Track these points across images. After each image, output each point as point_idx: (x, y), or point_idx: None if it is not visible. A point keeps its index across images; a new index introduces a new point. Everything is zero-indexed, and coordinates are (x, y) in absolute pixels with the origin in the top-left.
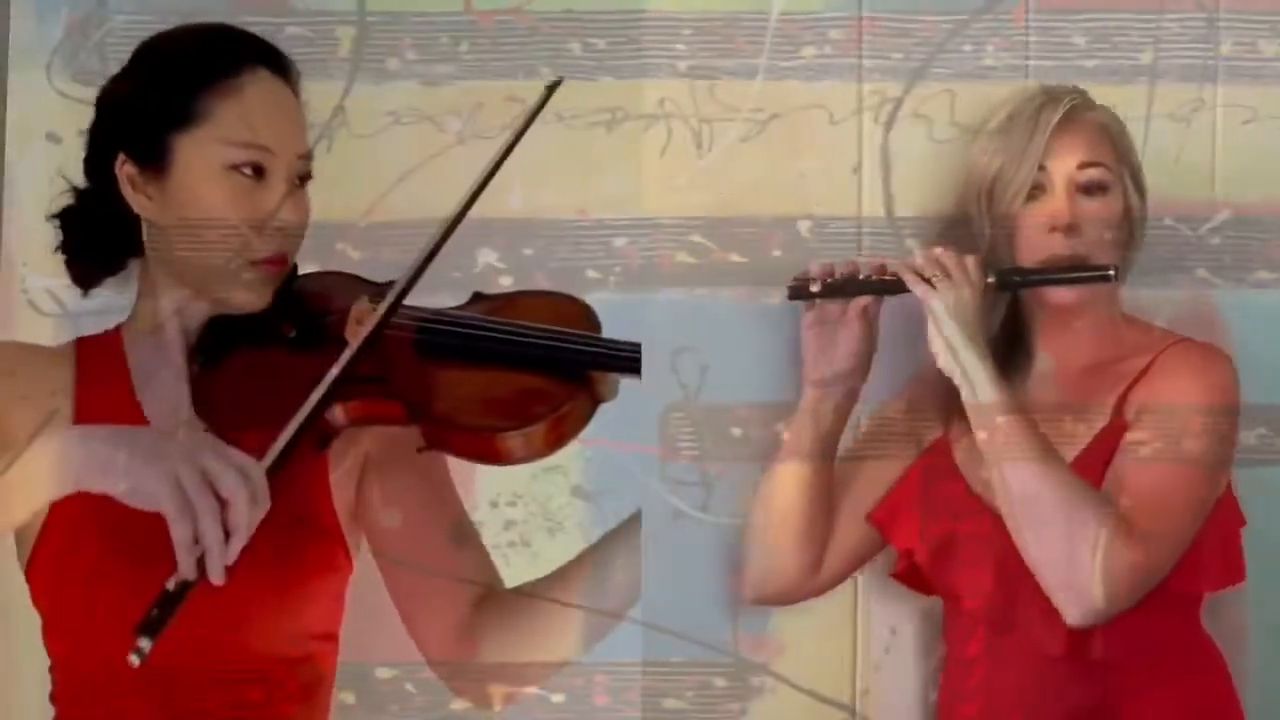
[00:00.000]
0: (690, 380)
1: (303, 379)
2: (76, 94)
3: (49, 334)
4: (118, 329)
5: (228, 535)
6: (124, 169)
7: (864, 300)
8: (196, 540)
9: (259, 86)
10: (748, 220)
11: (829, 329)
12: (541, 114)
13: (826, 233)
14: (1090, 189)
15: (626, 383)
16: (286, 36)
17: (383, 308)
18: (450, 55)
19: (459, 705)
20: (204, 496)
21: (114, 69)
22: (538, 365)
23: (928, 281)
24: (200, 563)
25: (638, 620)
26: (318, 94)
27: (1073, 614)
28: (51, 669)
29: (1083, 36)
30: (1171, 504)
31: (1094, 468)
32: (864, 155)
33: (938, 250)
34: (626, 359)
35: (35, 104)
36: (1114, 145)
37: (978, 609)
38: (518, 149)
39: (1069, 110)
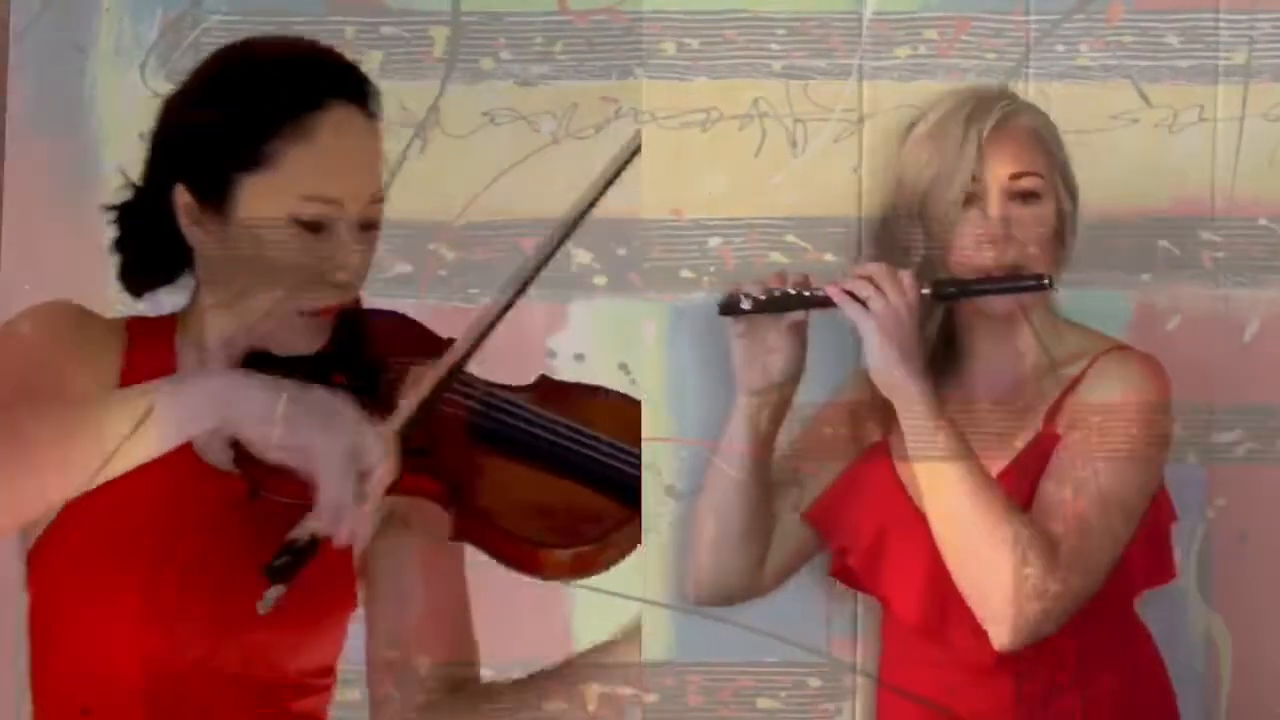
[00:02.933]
0: None
1: None
2: None
3: None
4: (173, 316)
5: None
6: (182, 198)
7: (795, 315)
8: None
9: (336, 125)
10: (841, 220)
11: (759, 340)
12: (636, 114)
13: (873, 229)
14: (1024, 196)
15: (720, 383)
16: (381, 36)
17: (438, 371)
18: (545, 55)
19: (551, 706)
20: (355, 467)
21: None
22: (594, 480)
23: (860, 301)
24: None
25: (732, 621)
26: (412, 94)
27: (999, 639)
28: (30, 656)
29: (1176, 36)
30: (1103, 521)
31: (1023, 479)
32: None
33: (871, 266)
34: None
35: (129, 104)
36: (1046, 150)
37: (906, 616)
38: (613, 148)
39: (1000, 118)
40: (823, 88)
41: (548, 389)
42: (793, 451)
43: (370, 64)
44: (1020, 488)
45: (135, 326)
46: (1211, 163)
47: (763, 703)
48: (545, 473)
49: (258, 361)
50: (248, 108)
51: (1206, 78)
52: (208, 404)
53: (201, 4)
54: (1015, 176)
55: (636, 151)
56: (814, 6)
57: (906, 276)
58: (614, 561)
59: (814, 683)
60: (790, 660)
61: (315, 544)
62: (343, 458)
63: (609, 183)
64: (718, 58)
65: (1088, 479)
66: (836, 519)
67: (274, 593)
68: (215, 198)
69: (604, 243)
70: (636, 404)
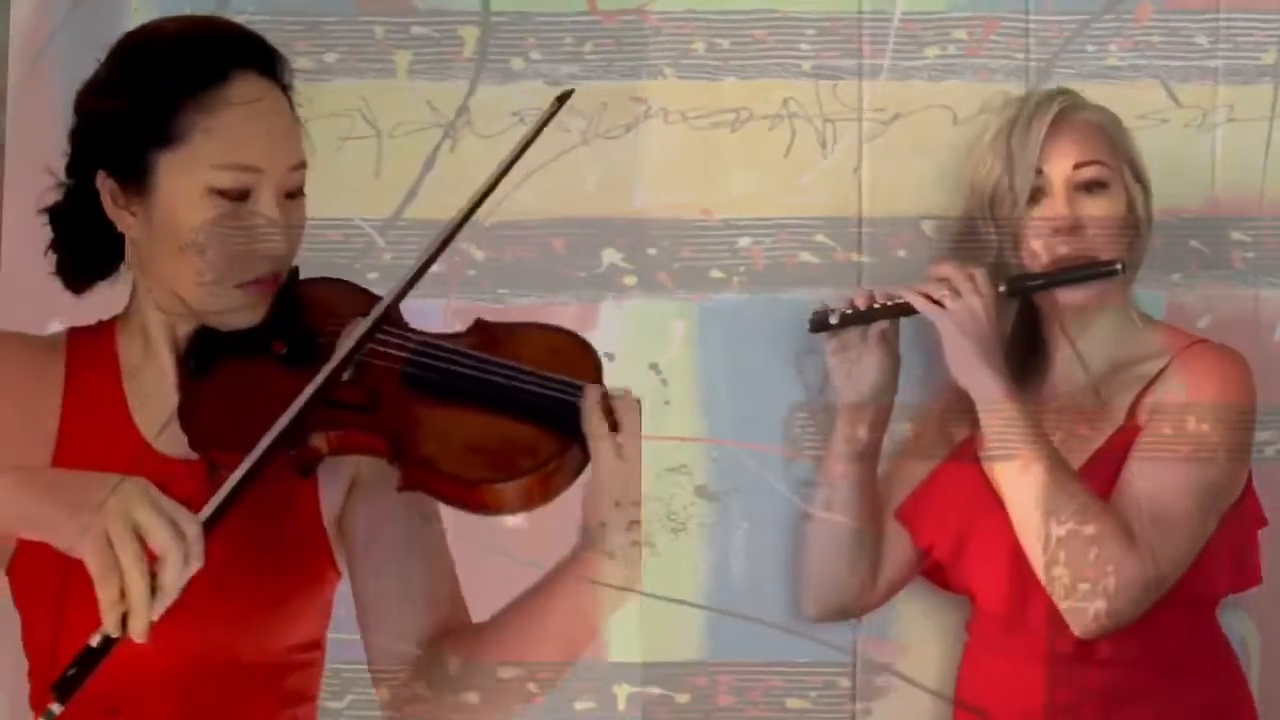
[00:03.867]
0: (814, 380)
1: (291, 396)
2: None
3: None
4: (112, 321)
5: (155, 592)
6: (105, 184)
7: (881, 325)
8: (122, 596)
9: (244, 95)
10: (871, 220)
11: (852, 355)
12: (666, 114)
13: (949, 232)
14: (1089, 187)
15: (750, 383)
16: (410, 36)
17: (365, 324)
18: (574, 55)
19: (582, 705)
20: (131, 552)
21: None
22: (527, 413)
23: (937, 303)
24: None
25: (761, 620)
26: (441, 94)
27: (1079, 627)
28: (29, 673)
29: (1206, 36)
30: (1181, 512)
31: (1105, 472)
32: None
33: (945, 268)
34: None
35: None
36: (1110, 142)
37: (993, 609)
38: (643, 148)
39: (1060, 112)
40: (852, 88)
41: (481, 331)
42: (893, 458)
43: (399, 64)
44: (1101, 481)
45: (75, 335)
46: (1241, 162)
47: (792, 703)
48: (479, 413)
49: (206, 337)
50: (154, 86)
51: (1237, 78)
52: None
53: (229, 3)
54: (1079, 166)
55: (567, 95)
56: (844, 6)
57: (980, 275)
58: (559, 490)
59: (844, 683)
60: (820, 660)
61: (107, 647)
62: (105, 547)
63: (538, 131)
64: (747, 58)
65: (1167, 472)
66: (924, 517)
67: (55, 708)
68: (135, 179)
69: (634, 243)
70: (565, 333)
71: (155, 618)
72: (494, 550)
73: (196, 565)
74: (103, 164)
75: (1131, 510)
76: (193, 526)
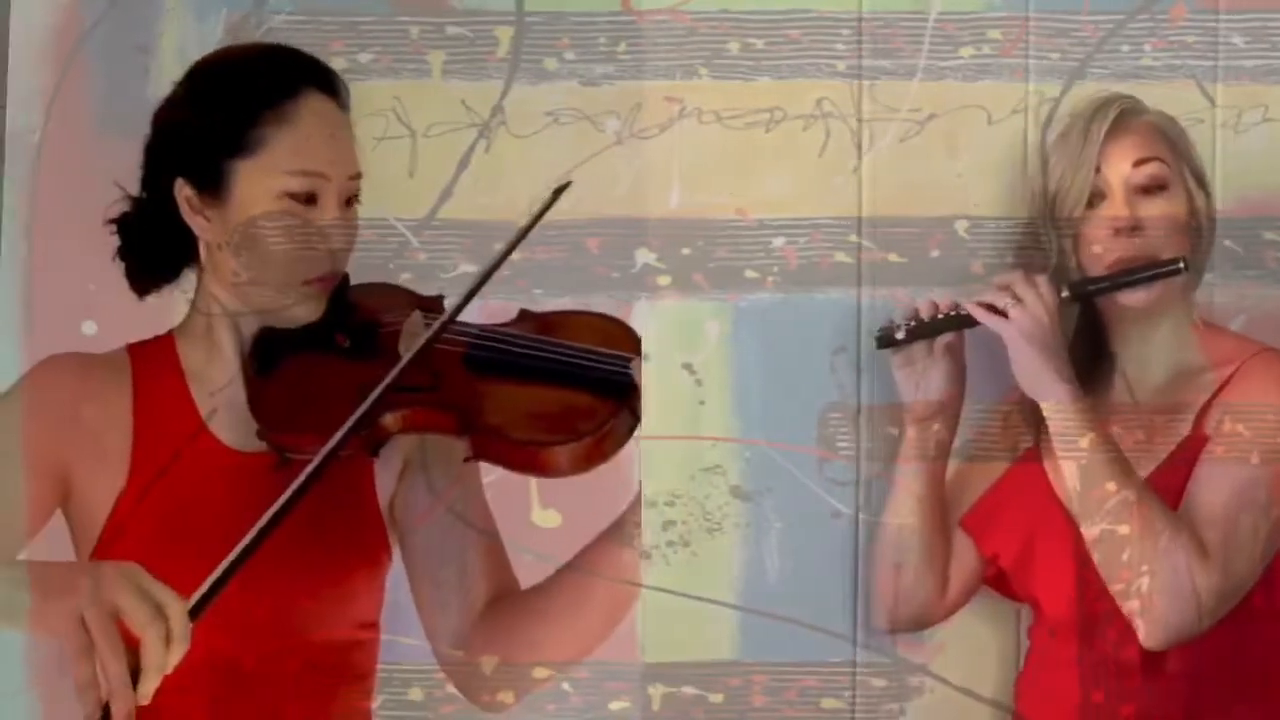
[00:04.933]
0: (847, 380)
1: (355, 386)
2: None
3: None
4: (169, 334)
5: (138, 675)
6: (182, 192)
7: (947, 337)
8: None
9: (312, 110)
10: (906, 220)
11: (919, 368)
12: (700, 114)
13: (983, 232)
14: (1149, 188)
15: (785, 383)
16: (445, 36)
17: (437, 325)
18: (609, 55)
19: (617, 706)
20: (108, 635)
21: None
22: (581, 383)
23: (1000, 312)
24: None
25: (796, 620)
26: (476, 93)
27: (1148, 638)
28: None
29: (1241, 36)
30: (1250, 523)
31: (1173, 480)
32: (1027, 154)
33: (1007, 275)
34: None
35: None
36: (1170, 144)
37: (1057, 617)
38: (677, 148)
39: (1119, 115)
40: (887, 88)
41: (529, 319)
42: (957, 466)
43: (434, 63)
44: (1170, 489)
45: (135, 349)
46: (1276, 163)
47: (827, 703)
48: (537, 386)
49: (270, 335)
50: (233, 101)
51: (1273, 77)
52: None
53: (265, 3)
54: (1138, 164)
55: (564, 188)
56: (879, 6)
57: (1043, 281)
58: (613, 451)
59: (878, 683)
60: (856, 661)
61: None
62: (80, 631)
63: (535, 221)
64: (782, 58)
65: (1235, 482)
66: (990, 525)
67: None
68: (213, 186)
69: (668, 243)
70: (604, 315)
71: (145, 699)
72: (524, 550)
73: (181, 646)
74: (181, 172)
75: (1200, 520)
76: (176, 606)
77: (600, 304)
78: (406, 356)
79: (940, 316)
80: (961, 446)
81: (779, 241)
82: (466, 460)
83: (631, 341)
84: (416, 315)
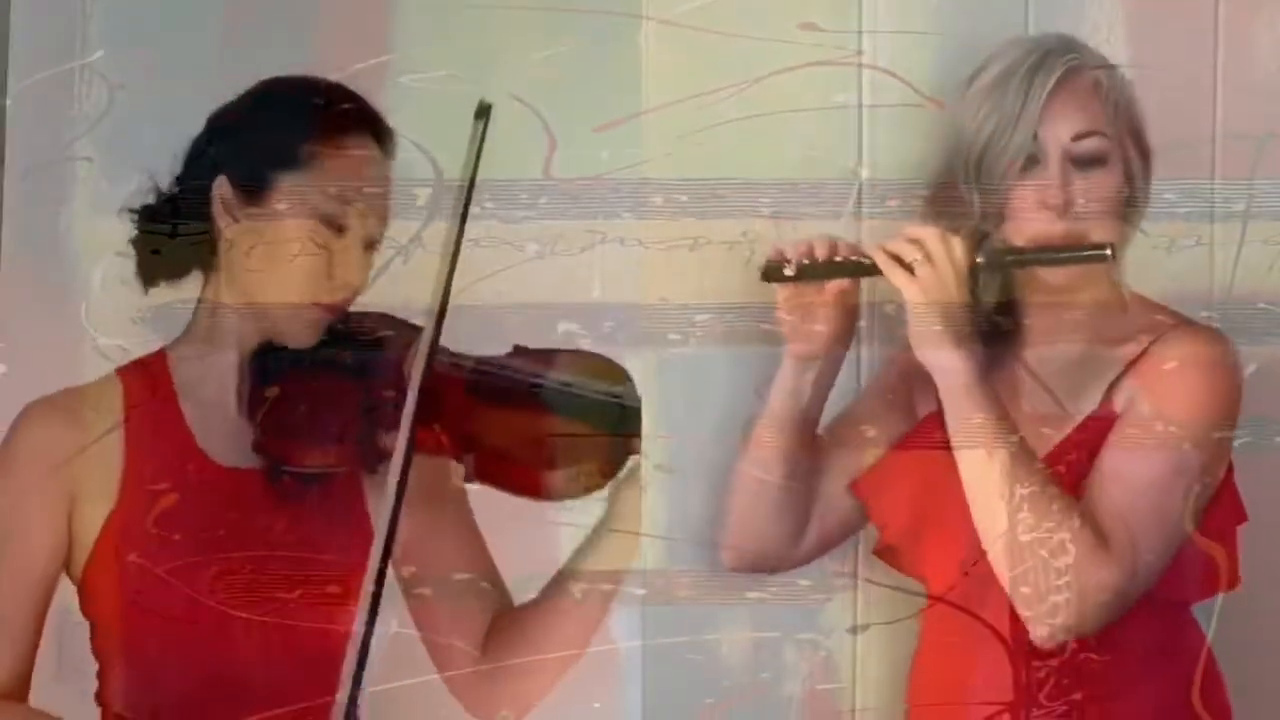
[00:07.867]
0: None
1: (354, 403)
2: None
3: None
4: (161, 351)
5: None
6: (221, 190)
7: (840, 283)
8: None
9: (363, 149)
10: None
11: (805, 308)
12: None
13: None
14: (1087, 162)
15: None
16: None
17: (425, 337)
18: (530, 206)
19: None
20: None
21: None
22: (578, 413)
23: (906, 266)
24: None
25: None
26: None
27: (1039, 634)
28: (99, 673)
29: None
30: (1157, 512)
31: (1074, 458)
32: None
33: (920, 230)
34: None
35: None
36: (1113, 108)
37: (946, 596)
38: (599, 265)
39: (1064, 73)
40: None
41: (524, 354)
42: (846, 418)
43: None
44: (1071, 469)
45: (126, 371)
46: None
47: (752, 594)
48: (537, 414)
49: (266, 353)
50: (295, 116)
51: None
52: None
53: None
54: (1078, 138)
55: (487, 109)
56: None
57: (958, 243)
58: (608, 478)
59: (803, 582)
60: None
61: None
62: None
63: (479, 151)
64: (707, 208)
65: (1143, 467)
66: (880, 493)
67: None
68: (253, 190)
69: (591, 319)
70: (592, 353)
71: None
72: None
73: None
74: (226, 170)
75: (1103, 508)
76: None
77: None
78: (412, 382)
79: (838, 259)
80: (860, 405)
81: (703, 318)
82: (467, 481)
83: (620, 374)
84: (420, 340)
